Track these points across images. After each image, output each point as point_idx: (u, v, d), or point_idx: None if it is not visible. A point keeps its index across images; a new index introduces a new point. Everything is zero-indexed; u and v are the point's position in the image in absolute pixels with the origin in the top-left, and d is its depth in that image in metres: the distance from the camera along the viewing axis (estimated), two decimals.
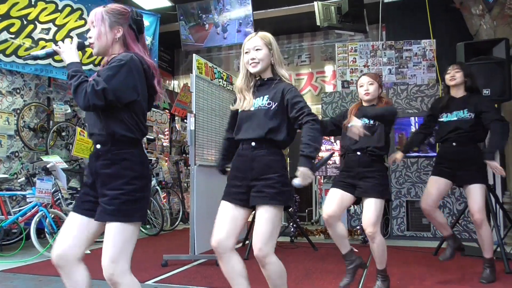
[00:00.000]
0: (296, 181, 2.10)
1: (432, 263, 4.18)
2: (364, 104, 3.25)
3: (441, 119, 3.58)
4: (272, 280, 2.25)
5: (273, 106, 2.25)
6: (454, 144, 3.51)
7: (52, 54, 1.99)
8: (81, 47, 1.99)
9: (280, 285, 2.28)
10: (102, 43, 1.97)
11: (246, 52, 2.33)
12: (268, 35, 2.36)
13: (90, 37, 1.99)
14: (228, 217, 2.28)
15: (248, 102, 2.31)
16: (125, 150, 1.91)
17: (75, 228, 1.93)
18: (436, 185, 3.54)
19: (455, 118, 3.49)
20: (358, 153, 3.13)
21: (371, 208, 3.00)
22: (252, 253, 4.38)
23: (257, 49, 2.29)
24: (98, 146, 1.92)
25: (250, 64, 2.30)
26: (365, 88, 3.18)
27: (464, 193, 3.66)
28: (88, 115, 2.00)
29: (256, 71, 2.31)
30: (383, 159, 3.24)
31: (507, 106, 5.36)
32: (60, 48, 1.94)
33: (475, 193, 3.40)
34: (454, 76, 3.53)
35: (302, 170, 2.09)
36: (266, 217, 2.17)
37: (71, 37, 5.48)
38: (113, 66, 1.86)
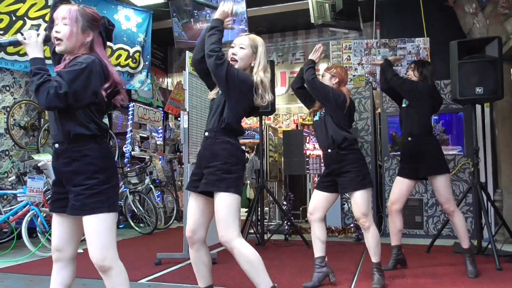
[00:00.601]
0: None
1: (424, 260, 4.19)
2: None
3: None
4: (242, 265, 2.31)
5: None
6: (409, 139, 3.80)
7: (15, 44, 1.99)
8: (47, 41, 1.98)
9: (250, 271, 2.30)
10: (71, 44, 1.98)
11: (232, 47, 2.45)
12: (257, 39, 2.45)
13: (57, 32, 1.96)
14: (194, 206, 2.46)
15: (215, 91, 2.48)
16: (84, 146, 1.95)
17: (60, 227, 2.05)
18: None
19: None
20: (329, 150, 3.22)
21: (357, 201, 3.12)
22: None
23: (241, 47, 2.41)
24: (57, 145, 1.98)
25: (230, 58, 2.41)
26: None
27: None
28: (49, 115, 2.05)
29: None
30: (355, 149, 3.25)
31: (499, 105, 5.40)
32: (25, 40, 1.93)
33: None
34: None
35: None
36: (218, 204, 2.28)
37: None
38: (75, 69, 1.89)
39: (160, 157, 8.06)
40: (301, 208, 7.80)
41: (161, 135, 8.48)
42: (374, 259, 3.19)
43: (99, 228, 1.92)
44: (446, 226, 4.96)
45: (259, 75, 2.38)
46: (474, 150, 4.32)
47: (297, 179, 7.87)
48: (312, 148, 5.92)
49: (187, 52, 4.51)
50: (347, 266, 3.89)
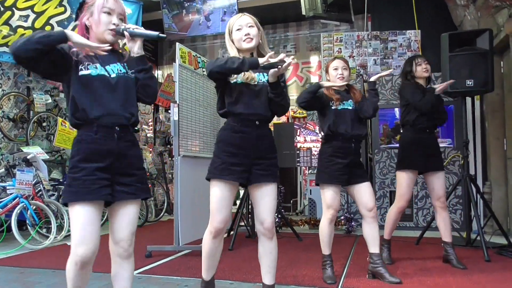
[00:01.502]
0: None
1: (414, 252, 4.23)
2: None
3: None
4: (275, 254, 2.46)
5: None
6: (427, 131, 3.70)
7: (150, 37, 2.03)
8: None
9: (276, 261, 2.49)
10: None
11: (238, 29, 2.34)
12: (254, 17, 2.42)
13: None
14: (229, 198, 2.36)
15: (250, 74, 2.31)
16: (133, 133, 2.08)
17: (95, 221, 1.88)
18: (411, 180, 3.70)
19: None
20: (354, 141, 3.20)
21: (371, 191, 3.18)
22: (236, 244, 4.36)
23: (250, 26, 2.34)
24: (117, 128, 1.94)
25: (245, 40, 2.32)
26: (340, 72, 3.19)
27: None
28: (107, 96, 1.94)
29: (251, 46, 2.33)
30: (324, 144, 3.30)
31: (489, 97, 5.43)
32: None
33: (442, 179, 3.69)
34: (427, 68, 3.66)
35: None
36: (273, 194, 2.38)
37: (51, 25, 5.35)
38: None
39: (151, 149, 8.02)
40: (291, 201, 7.83)
41: (152, 127, 8.44)
42: (379, 249, 3.20)
43: (137, 214, 2.03)
44: None
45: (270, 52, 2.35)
46: (464, 142, 4.35)
47: (287, 172, 7.89)
48: (303, 141, 5.92)
49: (177, 44, 4.47)
50: (337, 258, 3.90)
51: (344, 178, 3.16)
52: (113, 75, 1.95)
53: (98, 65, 1.94)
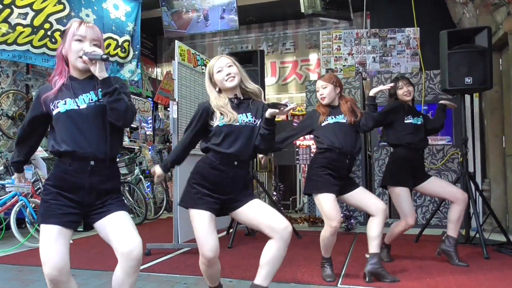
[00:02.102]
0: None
1: (413, 250, 4.24)
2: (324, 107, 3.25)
3: (408, 121, 3.67)
4: (284, 253, 2.33)
5: (258, 123, 2.39)
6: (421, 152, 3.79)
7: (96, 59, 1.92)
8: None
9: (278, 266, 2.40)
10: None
11: (219, 71, 2.42)
12: (231, 57, 2.50)
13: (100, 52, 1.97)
14: (212, 226, 2.33)
15: (233, 115, 2.36)
16: (115, 165, 2.10)
17: (62, 241, 1.91)
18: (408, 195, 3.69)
19: (419, 123, 3.70)
20: (349, 157, 3.16)
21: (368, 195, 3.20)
22: (235, 242, 4.35)
23: (229, 66, 2.42)
24: (92, 162, 1.94)
25: (227, 80, 2.40)
26: (320, 93, 3.23)
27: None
28: (85, 131, 1.93)
29: (234, 84, 2.40)
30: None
31: (488, 95, 5.43)
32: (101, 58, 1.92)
33: (440, 181, 3.78)
34: (409, 91, 3.68)
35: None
36: (263, 204, 2.40)
37: (50, 22, 5.34)
38: (127, 92, 2.05)
39: (150, 147, 8.02)
40: (291, 199, 7.84)
41: (151, 125, 8.43)
42: (378, 249, 3.16)
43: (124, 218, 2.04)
44: (435, 216, 5.01)
45: (250, 87, 2.47)
46: (463, 140, 4.35)
47: (287, 170, 7.89)
48: (302, 139, 5.92)
49: (176, 41, 4.47)
50: (336, 256, 3.90)
51: (336, 189, 3.12)
52: (82, 106, 1.93)
53: (67, 99, 1.92)
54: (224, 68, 2.40)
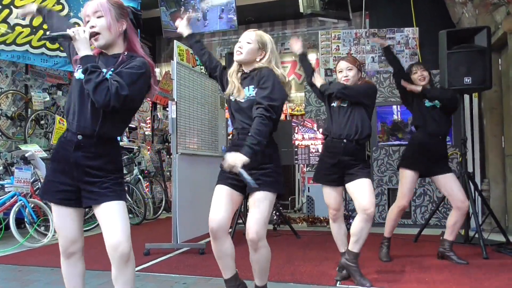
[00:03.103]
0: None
1: (412, 250, 4.24)
2: None
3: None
4: (261, 263, 2.39)
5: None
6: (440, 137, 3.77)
7: (66, 38, 1.88)
8: (91, 38, 1.92)
9: (266, 268, 2.43)
10: (111, 35, 1.95)
11: (239, 42, 2.46)
12: (265, 36, 2.47)
13: (94, 27, 1.91)
14: (225, 200, 2.36)
15: (238, 90, 2.39)
16: (108, 145, 1.98)
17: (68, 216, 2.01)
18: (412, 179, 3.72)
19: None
20: (344, 140, 3.10)
21: (369, 188, 3.01)
22: (234, 242, 4.36)
23: (247, 42, 2.42)
24: (80, 136, 1.93)
25: (236, 52, 2.43)
26: (344, 74, 3.13)
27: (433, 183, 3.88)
28: (76, 103, 1.94)
29: (238, 58, 2.42)
30: (364, 145, 3.28)
31: (487, 95, 5.43)
32: (76, 36, 1.85)
33: (452, 182, 3.65)
34: (423, 75, 3.73)
35: (232, 155, 2.15)
36: (263, 203, 2.30)
37: None
38: (135, 73, 1.87)
39: (148, 147, 8.02)
40: (290, 198, 7.84)
41: (149, 125, 8.43)
42: (359, 249, 3.04)
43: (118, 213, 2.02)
44: (434, 216, 5.01)
45: (278, 70, 2.40)
46: (462, 140, 4.35)
47: (286, 170, 7.89)
48: (301, 139, 5.92)
49: (175, 41, 4.46)
50: (334, 255, 3.90)
51: (333, 178, 3.10)
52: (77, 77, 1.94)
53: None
54: (242, 41, 2.43)
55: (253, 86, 2.34)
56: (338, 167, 3.09)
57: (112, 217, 1.90)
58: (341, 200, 3.23)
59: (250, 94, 2.34)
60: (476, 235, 4.09)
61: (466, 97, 5.35)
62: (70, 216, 1.97)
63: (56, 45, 5.31)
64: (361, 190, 2.99)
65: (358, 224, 2.97)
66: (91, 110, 1.90)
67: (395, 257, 3.87)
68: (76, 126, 1.91)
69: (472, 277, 3.21)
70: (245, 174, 2.10)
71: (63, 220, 1.97)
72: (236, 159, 2.12)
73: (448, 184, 3.66)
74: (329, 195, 3.17)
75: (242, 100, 2.37)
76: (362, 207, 2.93)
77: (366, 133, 3.10)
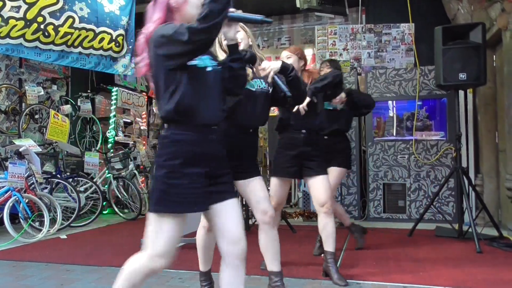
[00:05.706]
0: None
1: (407, 244, 4.26)
2: None
3: None
4: (278, 241, 2.57)
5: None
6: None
7: (253, 22, 1.90)
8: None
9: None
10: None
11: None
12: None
13: None
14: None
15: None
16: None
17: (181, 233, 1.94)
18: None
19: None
20: (303, 131, 3.07)
21: (327, 184, 3.03)
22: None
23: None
24: (215, 127, 1.80)
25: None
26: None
27: None
28: (205, 95, 1.75)
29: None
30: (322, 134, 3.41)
31: (482, 91, 5.46)
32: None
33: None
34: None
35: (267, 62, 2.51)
36: (262, 185, 2.53)
37: (43, 16, 5.29)
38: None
39: (144, 142, 8.00)
40: None
41: (145, 120, 8.41)
42: (333, 248, 3.06)
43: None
44: (428, 211, 5.04)
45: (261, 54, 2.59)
46: (457, 135, 4.38)
47: None
48: None
49: None
50: None
51: (292, 171, 3.05)
52: (208, 69, 1.76)
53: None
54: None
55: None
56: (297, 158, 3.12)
57: (238, 213, 1.82)
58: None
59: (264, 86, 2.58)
60: (470, 230, 4.12)
61: (461, 93, 5.37)
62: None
63: (51, 39, 5.29)
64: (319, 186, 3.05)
65: (320, 222, 3.07)
66: (218, 96, 1.84)
67: (390, 252, 3.89)
68: (211, 116, 1.79)
69: (466, 271, 3.24)
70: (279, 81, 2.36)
71: (181, 233, 1.90)
72: (270, 64, 2.39)
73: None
74: (277, 188, 3.15)
75: (253, 89, 2.54)
76: (321, 202, 3.03)
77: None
